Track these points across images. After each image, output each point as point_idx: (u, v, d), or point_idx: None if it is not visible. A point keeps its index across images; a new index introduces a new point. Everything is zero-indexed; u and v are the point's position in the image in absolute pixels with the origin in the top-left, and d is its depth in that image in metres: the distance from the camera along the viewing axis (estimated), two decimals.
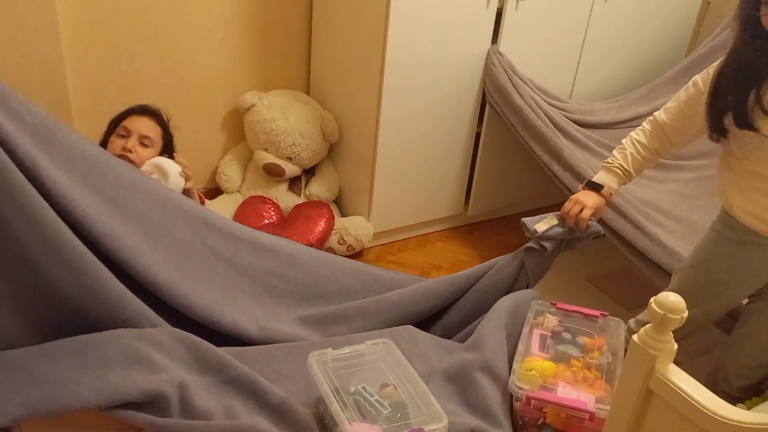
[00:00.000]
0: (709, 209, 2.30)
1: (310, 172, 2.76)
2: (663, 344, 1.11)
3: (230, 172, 2.71)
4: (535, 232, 1.70)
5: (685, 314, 1.09)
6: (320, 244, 2.54)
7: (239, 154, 2.76)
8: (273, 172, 2.62)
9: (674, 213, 2.25)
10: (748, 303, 1.67)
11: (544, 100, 2.50)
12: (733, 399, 1.06)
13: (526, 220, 1.74)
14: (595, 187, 1.67)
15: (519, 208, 2.92)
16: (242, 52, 2.65)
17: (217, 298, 1.48)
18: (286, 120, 2.59)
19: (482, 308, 1.69)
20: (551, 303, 1.69)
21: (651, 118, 1.65)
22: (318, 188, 2.69)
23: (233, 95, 2.68)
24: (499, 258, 1.79)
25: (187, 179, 1.73)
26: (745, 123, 1.40)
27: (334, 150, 2.77)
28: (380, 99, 2.37)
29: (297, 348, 1.51)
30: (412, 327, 1.66)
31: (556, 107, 2.53)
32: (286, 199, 2.67)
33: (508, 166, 2.78)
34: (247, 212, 2.58)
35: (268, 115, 2.59)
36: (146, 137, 1.79)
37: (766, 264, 1.56)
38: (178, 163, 1.75)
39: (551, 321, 1.64)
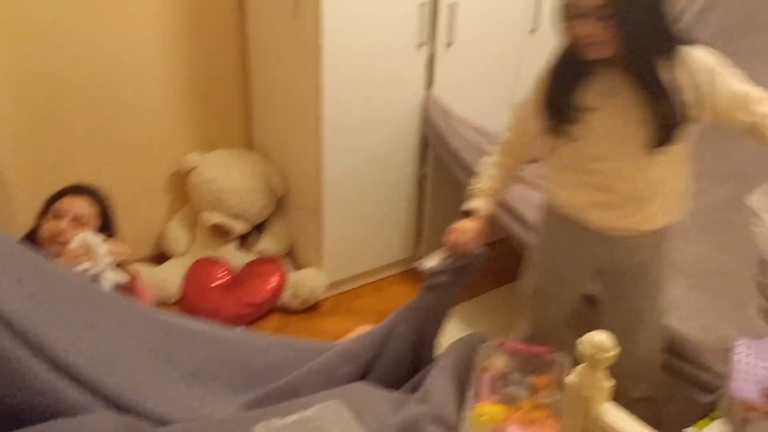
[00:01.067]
0: None
1: (260, 228, 2.75)
2: (596, 383, 1.12)
3: (177, 236, 2.69)
4: (425, 269, 1.72)
5: (615, 351, 1.11)
6: (274, 300, 2.53)
7: (185, 216, 2.75)
8: (221, 232, 2.61)
9: None
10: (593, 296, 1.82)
11: (484, 139, 2.55)
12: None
13: (420, 261, 1.78)
14: (469, 214, 1.75)
15: None
16: (181, 115, 2.66)
17: (147, 390, 1.45)
18: (231, 178, 2.60)
19: (403, 357, 1.69)
20: (498, 344, 1.70)
21: (498, 139, 1.80)
22: (269, 243, 2.69)
23: (175, 158, 2.68)
24: (406, 304, 1.79)
25: (119, 260, 1.70)
26: (566, 119, 1.55)
27: (282, 203, 2.78)
28: (321, 150, 2.39)
29: (245, 418, 1.48)
30: (362, 383, 1.65)
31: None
32: (237, 257, 2.65)
33: (456, 204, 2.78)
34: (197, 275, 2.56)
35: (211, 176, 2.60)
36: (81, 217, 1.76)
37: (590, 254, 1.69)
38: (109, 246, 1.70)
39: (499, 362, 1.64)
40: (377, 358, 1.73)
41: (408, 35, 2.38)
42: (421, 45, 2.41)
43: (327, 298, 2.65)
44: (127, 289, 1.76)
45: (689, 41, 1.43)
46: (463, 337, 1.73)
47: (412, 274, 2.85)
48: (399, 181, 2.65)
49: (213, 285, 2.53)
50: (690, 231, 2.33)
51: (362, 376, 1.73)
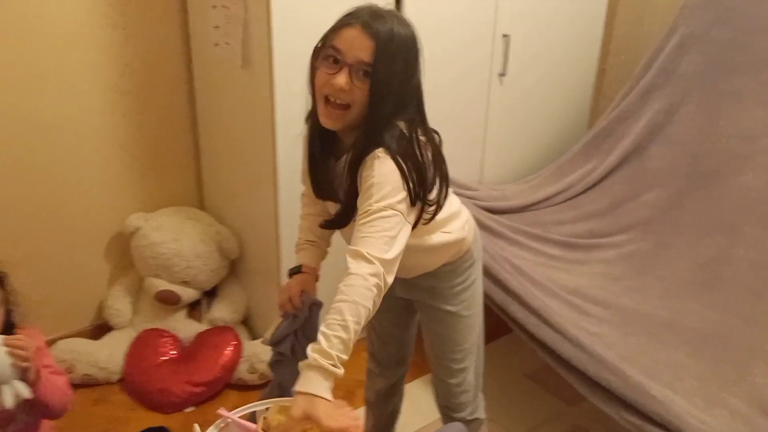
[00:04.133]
0: (640, 289, 2.18)
1: (211, 294, 2.50)
2: None
3: (119, 306, 2.41)
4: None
5: None
6: (228, 375, 2.27)
7: (128, 283, 2.47)
8: (167, 300, 2.35)
9: (603, 298, 2.11)
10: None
11: (453, 191, 2.37)
12: None
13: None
14: (295, 271, 1.59)
15: None
16: (123, 175, 2.42)
17: None
18: (178, 241, 2.35)
19: None
20: None
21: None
22: (222, 311, 2.43)
23: (117, 220, 2.42)
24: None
25: (22, 360, 1.40)
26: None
27: (237, 266, 2.54)
28: (277, 209, 2.18)
29: None
30: None
31: (466, 196, 2.40)
32: (186, 328, 2.39)
33: None
34: (141, 350, 2.29)
35: (157, 238, 2.34)
36: None
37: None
38: (9, 342, 1.38)
39: None
40: None
41: None
42: None
43: None
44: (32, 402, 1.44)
45: (388, 147, 1.26)
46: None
47: None
48: None
49: (160, 361, 2.26)
50: (679, 288, 2.16)
51: None
